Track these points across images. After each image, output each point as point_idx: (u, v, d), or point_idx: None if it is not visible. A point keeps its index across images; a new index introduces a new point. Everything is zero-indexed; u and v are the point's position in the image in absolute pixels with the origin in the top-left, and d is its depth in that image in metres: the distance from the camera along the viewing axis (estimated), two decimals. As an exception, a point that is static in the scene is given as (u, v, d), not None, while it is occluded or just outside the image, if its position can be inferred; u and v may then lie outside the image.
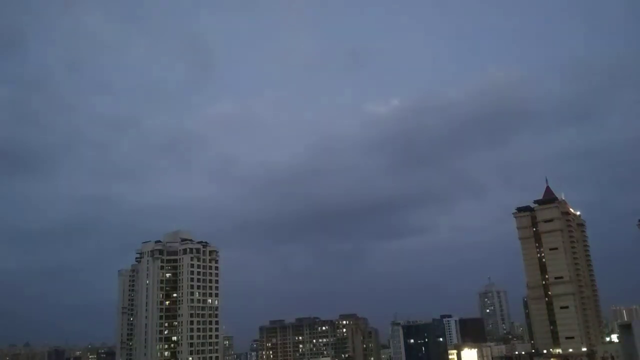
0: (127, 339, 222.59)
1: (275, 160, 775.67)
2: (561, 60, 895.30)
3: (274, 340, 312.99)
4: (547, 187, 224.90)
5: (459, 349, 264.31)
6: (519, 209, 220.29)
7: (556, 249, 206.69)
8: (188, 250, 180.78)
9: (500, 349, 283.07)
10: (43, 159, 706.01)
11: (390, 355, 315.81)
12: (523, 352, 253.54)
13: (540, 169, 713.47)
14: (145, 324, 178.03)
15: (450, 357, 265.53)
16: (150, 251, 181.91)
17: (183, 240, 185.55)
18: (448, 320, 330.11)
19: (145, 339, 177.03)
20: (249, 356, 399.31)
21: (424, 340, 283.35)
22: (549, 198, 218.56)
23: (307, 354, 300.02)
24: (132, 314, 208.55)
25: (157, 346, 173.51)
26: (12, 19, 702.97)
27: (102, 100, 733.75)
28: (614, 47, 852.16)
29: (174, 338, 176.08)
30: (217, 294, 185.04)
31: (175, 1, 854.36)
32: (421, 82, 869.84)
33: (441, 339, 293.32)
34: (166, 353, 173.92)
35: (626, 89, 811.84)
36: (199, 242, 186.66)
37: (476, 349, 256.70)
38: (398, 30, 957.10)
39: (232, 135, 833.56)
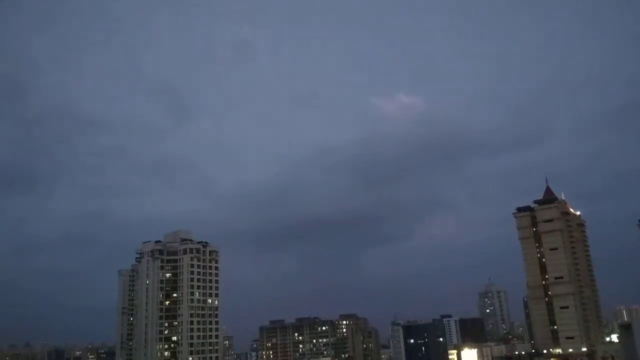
0: (127, 339, 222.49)
1: (251, 179, 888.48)
2: (499, 92, 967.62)
3: (274, 340, 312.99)
4: (547, 187, 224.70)
5: (459, 349, 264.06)
6: (519, 209, 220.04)
7: (556, 249, 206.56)
8: (188, 250, 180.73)
9: (500, 349, 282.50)
10: (44, 182, 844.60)
11: (390, 355, 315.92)
12: (523, 352, 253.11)
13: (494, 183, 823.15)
14: (145, 324, 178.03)
15: (450, 357, 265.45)
16: (150, 251, 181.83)
17: (183, 240, 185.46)
18: (448, 320, 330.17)
19: (145, 339, 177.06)
20: (249, 356, 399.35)
21: (424, 340, 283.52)
22: (549, 198, 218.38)
23: (307, 354, 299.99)
24: (132, 314, 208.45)
25: (157, 346, 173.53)
26: (15, 67, 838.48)
27: (94, 131, 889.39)
28: (552, 81, 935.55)
29: (174, 338, 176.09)
30: (217, 294, 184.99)
31: (149, 44, 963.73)
32: (376, 114, 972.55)
33: (441, 339, 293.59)
34: (166, 353, 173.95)
35: (564, 118, 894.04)
36: (199, 242, 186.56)
37: (476, 349, 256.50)
38: (360, 67, 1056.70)
39: (212, 157, 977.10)
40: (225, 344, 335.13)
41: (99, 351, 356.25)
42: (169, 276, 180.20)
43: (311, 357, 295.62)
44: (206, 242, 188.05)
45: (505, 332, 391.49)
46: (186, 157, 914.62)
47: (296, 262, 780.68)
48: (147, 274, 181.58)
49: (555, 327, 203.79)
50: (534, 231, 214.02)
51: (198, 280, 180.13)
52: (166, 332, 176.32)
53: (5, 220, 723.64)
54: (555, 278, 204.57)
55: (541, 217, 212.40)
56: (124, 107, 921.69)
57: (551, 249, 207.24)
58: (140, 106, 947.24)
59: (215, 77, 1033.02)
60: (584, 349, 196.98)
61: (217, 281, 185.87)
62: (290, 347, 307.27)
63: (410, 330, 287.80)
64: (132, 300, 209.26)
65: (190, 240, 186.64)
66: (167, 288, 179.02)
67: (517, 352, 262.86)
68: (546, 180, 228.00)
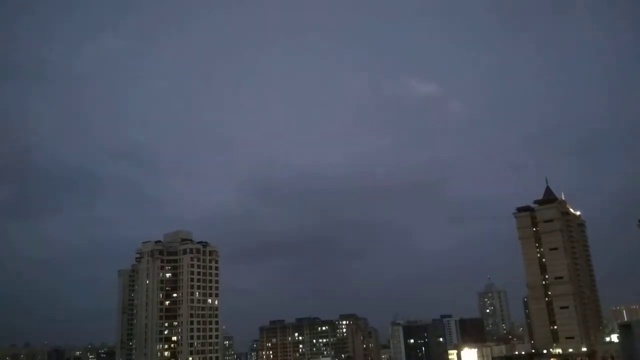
0: (127, 339, 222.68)
1: (220, 207, 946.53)
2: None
3: (274, 340, 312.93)
4: (547, 187, 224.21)
5: (459, 349, 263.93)
6: (519, 209, 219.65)
7: (556, 249, 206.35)
8: (188, 250, 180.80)
9: (500, 349, 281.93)
10: (40, 214, 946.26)
11: (390, 355, 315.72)
12: (523, 352, 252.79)
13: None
14: (145, 324, 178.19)
15: (450, 357, 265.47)
16: (150, 251, 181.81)
17: (183, 240, 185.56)
18: (448, 320, 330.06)
19: (145, 339, 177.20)
20: (249, 356, 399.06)
21: (424, 340, 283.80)
22: (549, 198, 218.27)
23: (307, 354, 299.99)
24: (132, 314, 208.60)
25: (157, 346, 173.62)
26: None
27: (81, 179, 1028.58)
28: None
29: (174, 338, 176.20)
30: (217, 294, 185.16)
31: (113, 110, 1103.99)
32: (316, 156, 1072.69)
33: (441, 339, 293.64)
34: (166, 353, 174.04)
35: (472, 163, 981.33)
36: (199, 242, 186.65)
37: (476, 349, 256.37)
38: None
39: (181, 194, 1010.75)
40: (225, 344, 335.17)
41: (99, 351, 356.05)
42: (169, 276, 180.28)
43: (311, 357, 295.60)
44: (206, 242, 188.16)
45: (505, 332, 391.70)
46: (159, 196, 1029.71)
47: (287, 269, 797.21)
48: (147, 274, 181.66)
49: (555, 327, 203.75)
50: (534, 231, 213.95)
51: (198, 280, 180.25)
52: (166, 332, 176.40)
53: (12, 241, 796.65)
54: (555, 278, 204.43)
55: (541, 217, 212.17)
56: (104, 163, 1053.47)
57: (551, 249, 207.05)
58: (117, 161, 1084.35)
59: (179, 116, 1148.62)
60: (584, 349, 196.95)
61: (217, 281, 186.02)
62: (290, 347, 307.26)
63: (410, 330, 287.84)
64: (132, 300, 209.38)
65: (190, 240, 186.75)
66: (167, 288, 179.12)
67: (517, 352, 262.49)
68: (546, 181, 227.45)
